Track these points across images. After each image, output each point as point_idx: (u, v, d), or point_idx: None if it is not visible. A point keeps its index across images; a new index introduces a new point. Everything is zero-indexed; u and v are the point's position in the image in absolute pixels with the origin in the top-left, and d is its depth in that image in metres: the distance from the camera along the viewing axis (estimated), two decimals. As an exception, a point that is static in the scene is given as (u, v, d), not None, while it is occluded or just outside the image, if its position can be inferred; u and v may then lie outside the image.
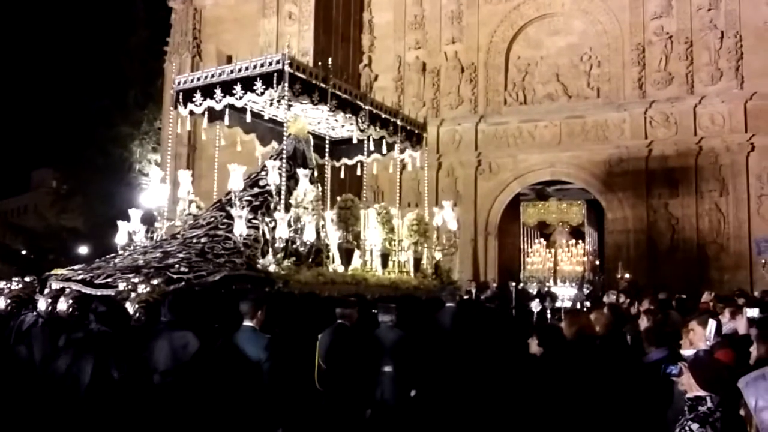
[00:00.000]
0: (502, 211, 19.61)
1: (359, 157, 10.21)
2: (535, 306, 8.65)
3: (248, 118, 8.52)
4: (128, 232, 8.25)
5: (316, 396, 5.67)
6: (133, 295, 5.49)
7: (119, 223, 8.43)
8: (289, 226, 7.25)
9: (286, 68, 7.41)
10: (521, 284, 18.22)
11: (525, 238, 21.67)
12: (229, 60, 21.62)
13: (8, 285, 6.70)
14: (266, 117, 9.35)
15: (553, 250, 21.96)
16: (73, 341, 4.84)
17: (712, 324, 5.20)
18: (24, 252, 33.47)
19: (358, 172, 10.77)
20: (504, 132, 19.35)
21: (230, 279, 6.27)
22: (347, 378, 5.62)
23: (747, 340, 5.38)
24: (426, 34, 20.24)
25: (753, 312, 5.40)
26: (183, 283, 5.97)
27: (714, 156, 17.13)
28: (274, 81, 7.43)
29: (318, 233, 7.44)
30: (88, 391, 4.31)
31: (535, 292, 13.07)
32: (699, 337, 5.20)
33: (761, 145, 16.70)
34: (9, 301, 6.34)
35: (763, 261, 14.65)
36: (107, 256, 7.96)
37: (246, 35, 20.09)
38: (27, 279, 6.93)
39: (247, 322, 5.07)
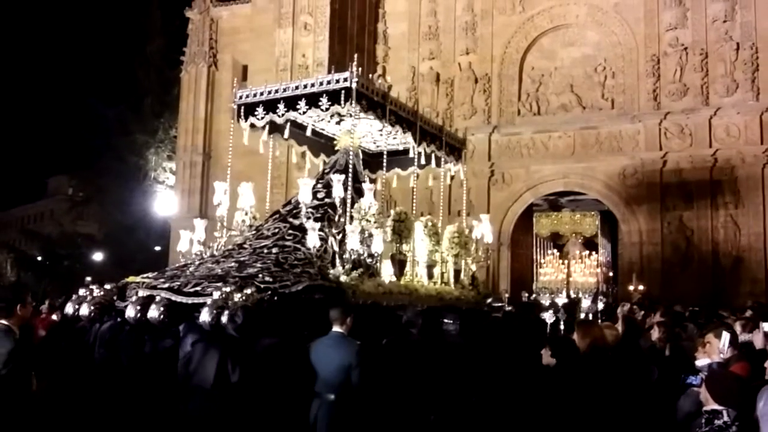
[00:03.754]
0: (515, 222, 19.55)
1: (396, 170, 10.56)
2: (549, 317, 8.64)
3: (308, 132, 8.98)
4: (190, 239, 8.48)
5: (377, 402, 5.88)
6: (229, 303, 5.67)
7: (182, 231, 8.69)
8: None
9: (354, 86, 7.74)
10: (533, 295, 18.18)
11: (538, 249, 21.64)
12: (245, 70, 21.90)
13: (89, 292, 6.96)
14: (313, 131, 9.56)
15: (566, 261, 21.90)
16: (203, 340, 5.30)
17: (725, 336, 5.18)
18: (39, 258, 33.81)
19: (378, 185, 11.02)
20: (517, 142, 19.34)
21: (308, 289, 6.54)
22: (414, 384, 5.78)
23: (764, 353, 5.35)
24: (440, 44, 20.32)
25: (770, 326, 5.36)
26: (269, 292, 6.23)
27: (729, 168, 17.02)
28: (342, 98, 7.76)
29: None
30: (213, 386, 4.85)
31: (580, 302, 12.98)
32: (714, 350, 5.19)
33: (777, 157, 16.60)
34: (92, 307, 6.62)
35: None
36: (178, 265, 8.16)
37: (262, 45, 20.28)
38: (107, 286, 7.19)
39: (336, 328, 5.36)
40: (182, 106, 23.07)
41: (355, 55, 8.77)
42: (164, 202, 25.36)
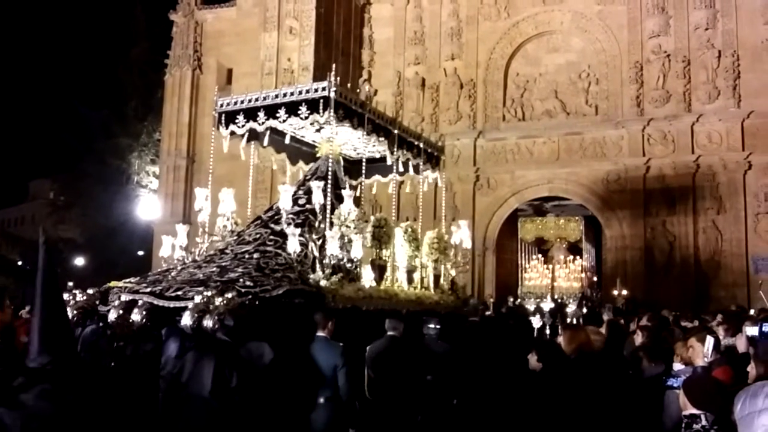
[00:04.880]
0: (500, 227, 19.64)
1: (376, 177, 10.70)
2: (536, 322, 8.69)
3: (287, 140, 9.19)
4: (172, 245, 8.53)
5: (366, 403, 6.06)
6: (211, 307, 5.76)
7: (164, 237, 8.73)
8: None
9: (333, 95, 7.84)
10: (518, 300, 18.23)
11: (523, 254, 21.71)
12: (230, 74, 21.80)
13: (72, 297, 6.99)
14: (294, 138, 9.69)
15: (550, 266, 21.99)
16: (196, 347, 5.35)
17: (709, 341, 5.20)
18: (20, 263, 33.38)
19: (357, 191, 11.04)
20: (502, 148, 19.42)
21: (288, 293, 6.67)
22: (400, 386, 5.98)
23: (747, 357, 5.38)
24: (426, 50, 20.37)
25: (753, 330, 5.38)
26: (250, 296, 6.34)
27: (711, 174, 17.20)
28: (320, 106, 7.88)
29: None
30: (211, 393, 4.89)
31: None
32: (698, 354, 5.21)
33: (758, 163, 16.79)
34: (75, 312, 6.63)
35: (760, 281, 14.66)
36: (160, 270, 8.21)
37: (247, 49, 20.23)
38: (89, 291, 7.26)
39: (319, 332, 5.64)
40: (166, 110, 22.90)
41: (333, 66, 8.79)
42: (147, 206, 25.16)
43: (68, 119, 31.31)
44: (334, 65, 8.73)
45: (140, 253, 26.34)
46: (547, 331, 8.97)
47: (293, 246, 7.42)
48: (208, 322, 5.58)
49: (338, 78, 8.05)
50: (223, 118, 8.62)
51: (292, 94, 8.17)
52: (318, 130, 9.11)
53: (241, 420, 5.02)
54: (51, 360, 2.48)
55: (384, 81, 20.48)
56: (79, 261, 30.40)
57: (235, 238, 8.54)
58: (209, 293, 5.94)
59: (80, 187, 30.32)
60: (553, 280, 21.34)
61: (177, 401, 5.21)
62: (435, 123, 19.66)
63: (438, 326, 6.95)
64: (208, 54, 22.46)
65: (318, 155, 9.48)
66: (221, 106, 8.68)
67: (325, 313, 5.75)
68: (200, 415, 5.01)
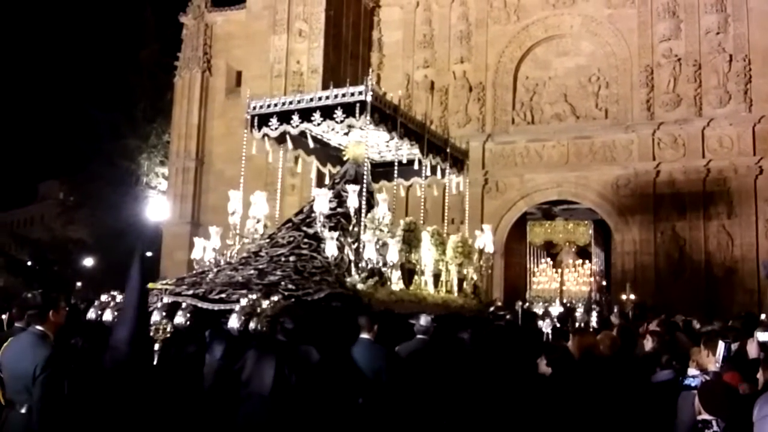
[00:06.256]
0: (509, 230, 19.55)
1: (399, 180, 10.78)
2: (546, 326, 8.68)
3: (310, 143, 9.38)
4: (204, 247, 8.56)
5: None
6: (258, 310, 5.82)
7: (196, 239, 8.78)
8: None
9: (369, 99, 7.94)
10: (527, 304, 18.15)
11: (531, 258, 21.64)
12: (239, 76, 21.85)
13: (112, 298, 7.05)
14: (319, 141, 9.83)
15: (559, 270, 21.92)
16: (257, 347, 5.43)
17: (721, 346, 5.17)
18: (29, 263, 33.56)
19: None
20: (511, 151, 19.37)
21: (327, 297, 6.74)
22: (430, 388, 5.95)
23: (758, 363, 5.33)
24: (435, 53, 20.35)
25: (765, 336, 5.34)
26: (293, 299, 6.39)
27: (722, 179, 17.10)
28: (357, 111, 7.99)
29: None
30: (271, 393, 4.98)
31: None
32: (709, 360, 5.17)
33: (770, 168, 16.68)
34: (116, 313, 6.63)
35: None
36: (195, 272, 8.25)
37: (256, 51, 20.25)
38: None
39: (364, 335, 5.69)
40: (175, 112, 23.00)
41: (370, 71, 8.93)
42: (156, 207, 25.23)
43: (78, 121, 31.54)
44: (371, 70, 8.84)
45: (149, 254, 26.40)
46: (550, 335, 8.96)
47: (331, 250, 7.49)
48: (254, 325, 5.64)
49: (372, 82, 8.13)
50: (256, 120, 8.72)
51: (327, 98, 8.28)
52: (346, 134, 9.20)
53: (300, 420, 5.06)
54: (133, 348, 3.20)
55: (393, 84, 20.37)
56: (88, 261, 30.53)
57: (267, 240, 8.59)
58: (254, 296, 6.01)
59: (89, 188, 30.47)
60: (561, 284, 21.28)
61: (236, 399, 5.27)
62: (444, 126, 19.52)
63: (470, 332, 7.03)
64: (218, 56, 22.55)
65: (345, 158, 9.57)
66: (254, 108, 8.77)
67: (369, 317, 5.83)
68: (260, 413, 5.08)
